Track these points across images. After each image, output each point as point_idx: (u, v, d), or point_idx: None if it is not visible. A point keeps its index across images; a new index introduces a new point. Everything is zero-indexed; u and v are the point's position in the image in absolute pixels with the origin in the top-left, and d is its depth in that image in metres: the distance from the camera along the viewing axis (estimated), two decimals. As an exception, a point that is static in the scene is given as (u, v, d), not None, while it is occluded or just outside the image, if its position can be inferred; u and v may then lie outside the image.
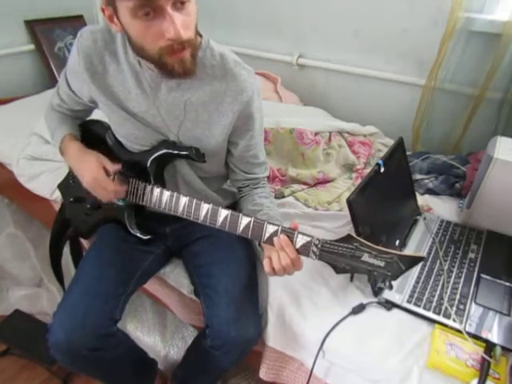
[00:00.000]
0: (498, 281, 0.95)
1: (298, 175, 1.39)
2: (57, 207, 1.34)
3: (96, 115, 1.06)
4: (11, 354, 1.35)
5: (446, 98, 1.48)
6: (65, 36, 2.03)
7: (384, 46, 1.60)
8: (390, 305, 0.91)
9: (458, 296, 0.92)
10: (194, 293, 1.01)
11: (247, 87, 0.87)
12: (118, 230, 0.99)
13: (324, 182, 1.40)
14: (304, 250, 0.75)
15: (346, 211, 0.83)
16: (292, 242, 0.75)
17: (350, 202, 0.83)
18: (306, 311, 0.91)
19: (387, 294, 0.92)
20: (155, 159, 0.91)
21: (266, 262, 0.77)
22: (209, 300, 0.90)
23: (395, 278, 0.69)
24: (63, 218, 1.15)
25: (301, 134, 1.45)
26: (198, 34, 0.84)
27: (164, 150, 0.90)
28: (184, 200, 0.85)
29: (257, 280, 0.98)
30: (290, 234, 0.75)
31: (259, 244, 0.89)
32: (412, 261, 0.67)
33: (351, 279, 0.96)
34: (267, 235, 0.77)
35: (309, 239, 0.74)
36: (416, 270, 0.99)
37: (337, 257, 0.72)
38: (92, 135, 1.03)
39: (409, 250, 1.05)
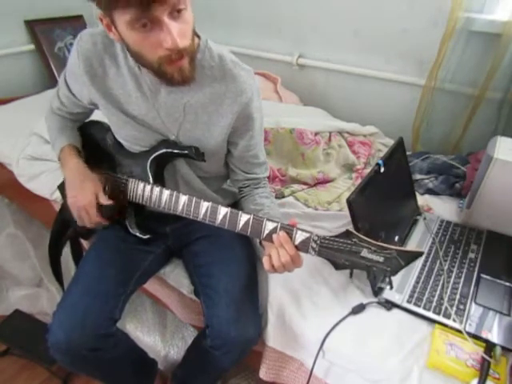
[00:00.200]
0: (498, 281, 0.95)
1: (298, 175, 1.39)
2: (57, 207, 1.34)
3: (96, 116, 1.06)
4: (11, 354, 1.35)
5: (445, 98, 1.48)
6: (65, 36, 2.03)
7: (384, 46, 1.60)
8: (389, 305, 0.91)
9: (457, 296, 0.92)
10: (194, 293, 1.01)
11: (246, 88, 0.87)
12: (117, 230, 0.99)
13: (324, 181, 1.40)
14: (303, 247, 0.75)
15: (346, 211, 0.83)
16: (291, 238, 0.75)
17: (349, 202, 0.83)
18: (306, 311, 0.91)
19: (387, 294, 0.92)
20: (155, 159, 0.91)
21: (265, 260, 0.77)
22: (209, 300, 0.90)
23: (394, 273, 0.69)
24: (63, 219, 1.14)
25: (301, 134, 1.45)
26: (196, 35, 0.85)
27: (163, 150, 0.90)
28: (183, 198, 0.85)
29: (257, 280, 0.98)
30: (289, 230, 0.76)
31: (260, 243, 0.89)
32: (411, 256, 0.67)
33: (350, 276, 0.96)
34: (266, 232, 0.77)
35: (308, 235, 0.74)
36: (416, 270, 0.99)
37: (336, 252, 0.72)
38: (92, 136, 1.03)
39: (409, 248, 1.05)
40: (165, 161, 0.93)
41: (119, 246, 0.97)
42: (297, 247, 0.75)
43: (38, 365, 1.30)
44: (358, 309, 0.90)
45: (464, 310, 0.88)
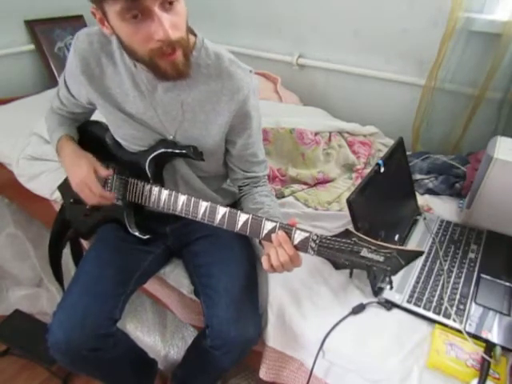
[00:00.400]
0: (498, 281, 0.95)
1: (298, 175, 1.39)
2: (57, 207, 1.34)
3: (95, 116, 1.06)
4: (11, 354, 1.35)
5: (445, 98, 1.48)
6: (65, 36, 2.03)
7: (384, 46, 1.60)
8: (389, 305, 0.91)
9: (457, 296, 0.92)
10: (194, 293, 1.01)
11: (243, 86, 0.87)
12: (117, 230, 0.99)
13: (324, 181, 1.40)
14: (302, 246, 0.75)
15: (346, 211, 0.83)
16: (290, 238, 0.75)
17: (349, 202, 0.83)
18: (306, 311, 0.91)
19: (387, 294, 0.92)
20: (153, 158, 0.91)
21: (264, 259, 0.77)
22: (209, 300, 0.90)
23: (395, 273, 0.68)
24: (63, 219, 1.15)
25: (301, 134, 1.45)
26: (192, 33, 0.85)
27: (162, 150, 0.90)
28: (182, 198, 0.85)
29: (257, 280, 0.98)
30: (288, 230, 0.75)
31: (260, 242, 0.89)
32: (411, 255, 0.67)
33: (350, 275, 0.96)
34: (265, 232, 0.77)
35: (307, 235, 0.74)
36: (416, 270, 0.99)
37: (335, 252, 0.71)
38: (91, 136, 1.03)
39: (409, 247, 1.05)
40: (163, 161, 0.93)
41: (119, 246, 0.97)
42: (296, 247, 0.75)
43: (38, 365, 1.30)
44: (358, 309, 0.90)
45: (464, 310, 0.88)
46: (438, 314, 0.88)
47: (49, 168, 1.37)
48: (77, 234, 1.15)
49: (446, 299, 0.91)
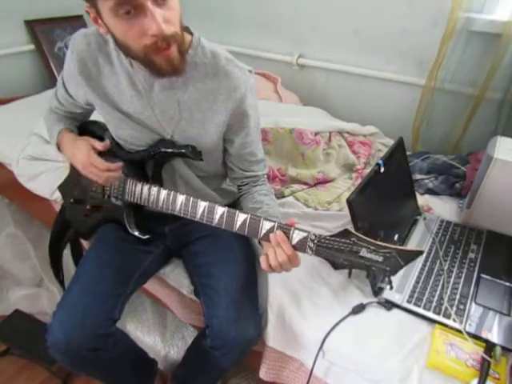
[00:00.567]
0: (498, 281, 0.95)
1: (298, 175, 1.39)
2: (57, 207, 1.34)
3: (94, 116, 1.06)
4: (11, 354, 1.35)
5: (446, 98, 1.48)
6: (65, 36, 2.03)
7: (384, 46, 1.60)
8: (390, 305, 0.91)
9: (457, 296, 0.92)
10: (194, 293, 1.01)
11: (240, 84, 0.87)
12: (117, 230, 0.99)
13: (324, 182, 1.40)
14: (300, 246, 0.75)
15: (346, 211, 0.83)
16: (288, 238, 0.75)
17: (349, 202, 0.83)
18: (306, 311, 0.91)
19: (387, 294, 0.92)
20: (152, 158, 0.91)
21: (262, 259, 0.77)
22: (209, 300, 0.90)
23: (394, 273, 0.68)
24: (63, 219, 1.15)
25: (301, 133, 1.45)
26: (188, 32, 0.85)
27: (160, 149, 0.90)
28: (181, 198, 0.85)
29: (257, 280, 0.98)
30: (287, 230, 0.75)
31: (259, 242, 0.89)
32: (411, 255, 0.66)
33: (349, 275, 0.96)
34: (263, 232, 0.77)
35: (305, 235, 0.74)
36: (416, 270, 0.99)
37: (334, 252, 0.71)
38: (90, 136, 1.03)
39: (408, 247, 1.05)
40: (162, 160, 0.93)
41: (119, 246, 0.97)
42: (294, 247, 0.75)
43: (38, 365, 1.30)
44: (358, 309, 0.90)
45: (464, 310, 0.88)
46: (438, 314, 0.88)
47: (49, 168, 1.37)
48: (77, 234, 1.15)
49: (445, 299, 0.91)
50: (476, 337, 0.83)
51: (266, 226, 0.77)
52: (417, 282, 0.95)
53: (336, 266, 0.73)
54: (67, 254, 1.25)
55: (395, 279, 0.96)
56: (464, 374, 0.77)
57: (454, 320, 0.86)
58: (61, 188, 1.14)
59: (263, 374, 0.98)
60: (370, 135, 1.61)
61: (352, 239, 0.69)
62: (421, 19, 1.46)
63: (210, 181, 1.02)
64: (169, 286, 1.12)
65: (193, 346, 1.06)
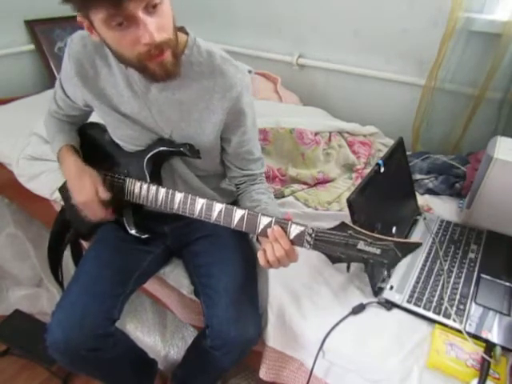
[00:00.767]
0: (498, 281, 0.95)
1: (298, 175, 1.39)
2: (57, 207, 1.34)
3: (93, 118, 1.06)
4: (11, 354, 1.35)
5: (446, 98, 1.48)
6: (65, 36, 2.03)
7: (384, 46, 1.60)
8: (389, 305, 0.91)
9: (457, 296, 0.92)
10: (194, 293, 1.01)
11: (236, 83, 0.86)
12: (117, 230, 0.99)
13: (324, 181, 1.40)
14: (298, 240, 0.74)
15: (346, 211, 0.83)
16: (286, 232, 0.75)
17: (350, 202, 0.83)
18: (306, 311, 0.91)
19: (387, 294, 0.92)
20: (151, 158, 0.91)
21: (260, 254, 0.77)
22: (209, 300, 0.90)
23: (392, 265, 0.67)
24: (63, 219, 1.15)
25: (301, 133, 1.45)
26: (184, 32, 0.85)
27: (159, 148, 0.90)
28: (179, 196, 0.85)
29: (257, 280, 0.98)
30: (284, 224, 0.75)
31: (257, 239, 0.89)
32: (409, 247, 0.66)
33: (348, 269, 0.96)
34: (261, 227, 0.77)
35: (302, 229, 0.74)
36: (416, 269, 0.99)
37: (331, 246, 0.71)
38: (90, 138, 1.04)
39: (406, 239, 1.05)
40: (161, 159, 0.93)
41: (118, 246, 0.97)
42: (292, 241, 0.75)
43: (38, 365, 1.30)
44: (358, 309, 0.90)
45: (464, 310, 0.88)
46: (438, 314, 0.88)
47: (49, 168, 1.37)
48: (77, 234, 1.15)
49: (446, 299, 0.91)
50: (476, 337, 0.83)
51: (264, 221, 0.77)
52: (417, 282, 0.95)
53: (333, 259, 0.72)
54: (67, 254, 1.25)
55: (395, 279, 0.96)
56: (464, 374, 0.77)
57: (454, 320, 0.86)
58: (61, 190, 1.14)
59: (263, 374, 0.98)
60: (370, 135, 1.61)
61: (349, 232, 0.69)
62: (421, 19, 1.46)
63: (209, 180, 1.02)
64: (169, 286, 1.12)
65: (193, 346, 1.06)
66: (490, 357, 0.77)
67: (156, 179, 0.94)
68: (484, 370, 0.76)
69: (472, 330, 0.84)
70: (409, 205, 1.17)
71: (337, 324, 0.87)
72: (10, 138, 1.50)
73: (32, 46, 1.97)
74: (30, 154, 1.41)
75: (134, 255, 0.98)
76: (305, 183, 1.39)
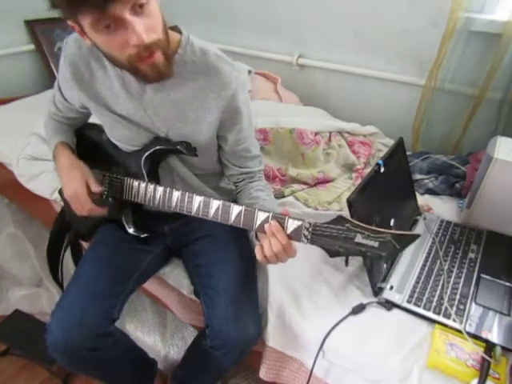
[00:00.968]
0: (498, 281, 0.95)
1: (298, 175, 1.39)
2: (57, 207, 1.34)
3: (92, 119, 1.06)
4: (11, 354, 1.35)
5: (446, 98, 1.48)
6: (65, 36, 2.00)
7: (384, 46, 1.60)
8: (389, 305, 0.91)
9: (457, 296, 0.92)
10: (194, 293, 1.01)
11: (231, 81, 0.86)
12: (116, 229, 0.99)
13: (324, 181, 1.40)
14: (295, 235, 0.74)
15: (346, 211, 0.83)
16: (283, 227, 0.75)
17: (350, 202, 0.83)
18: (305, 311, 0.91)
19: (387, 294, 0.92)
20: (148, 157, 0.92)
21: (257, 250, 0.77)
22: (209, 300, 0.90)
23: (391, 258, 0.67)
24: (63, 220, 1.15)
25: (301, 133, 1.45)
26: (177, 31, 0.85)
27: (155, 147, 0.91)
28: (177, 194, 0.85)
29: (256, 280, 0.98)
30: (281, 219, 0.75)
31: (256, 236, 0.89)
32: (407, 239, 0.65)
33: (346, 263, 0.96)
34: (258, 222, 0.77)
35: (300, 223, 0.73)
36: (416, 269, 0.99)
37: (329, 239, 0.70)
38: (89, 139, 1.04)
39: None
40: (158, 158, 0.94)
41: (118, 246, 0.97)
42: (289, 236, 0.75)
43: (38, 365, 1.30)
44: (358, 309, 0.90)
45: (464, 310, 0.88)
46: (438, 314, 0.88)
47: (49, 168, 1.37)
48: (77, 235, 1.16)
49: (446, 299, 0.91)
50: (476, 337, 0.83)
51: (261, 216, 0.76)
52: (417, 282, 0.95)
53: (331, 253, 0.72)
54: (67, 254, 1.25)
55: (395, 279, 0.96)
56: (464, 374, 0.77)
57: (454, 320, 0.86)
58: (61, 191, 1.14)
59: (263, 374, 0.98)
60: (370, 135, 1.61)
61: (346, 225, 0.68)
62: (421, 19, 1.46)
63: (208, 179, 1.02)
64: (169, 286, 1.12)
65: (193, 346, 1.06)
66: (490, 357, 0.78)
67: (153, 178, 0.94)
68: (484, 370, 0.76)
69: (472, 330, 0.84)
70: (409, 205, 1.17)
71: (337, 324, 0.87)
72: (9, 138, 1.50)
73: (32, 46, 1.97)
74: (29, 154, 1.41)
75: (134, 255, 0.98)
76: (305, 183, 1.39)
